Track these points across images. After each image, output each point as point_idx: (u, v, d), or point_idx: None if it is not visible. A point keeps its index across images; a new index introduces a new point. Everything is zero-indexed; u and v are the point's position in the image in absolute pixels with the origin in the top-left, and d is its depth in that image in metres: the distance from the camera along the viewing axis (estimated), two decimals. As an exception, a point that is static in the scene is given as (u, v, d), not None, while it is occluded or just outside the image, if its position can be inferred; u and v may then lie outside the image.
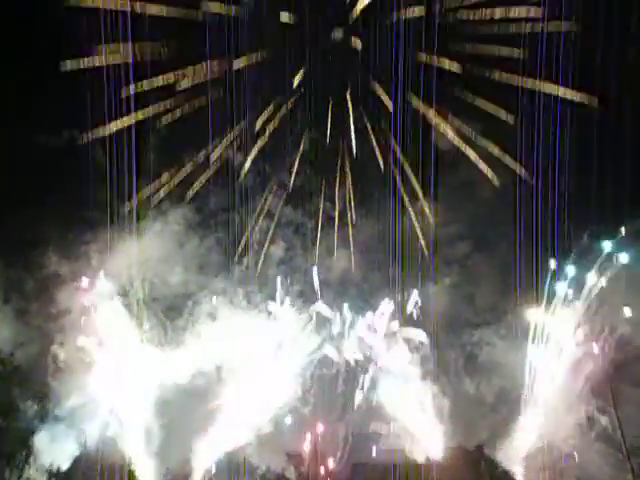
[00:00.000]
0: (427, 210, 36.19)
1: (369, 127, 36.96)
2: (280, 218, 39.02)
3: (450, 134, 35.48)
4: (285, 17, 35.03)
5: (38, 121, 35.44)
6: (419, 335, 36.12)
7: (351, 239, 37.53)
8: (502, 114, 33.50)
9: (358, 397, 35.59)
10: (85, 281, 37.47)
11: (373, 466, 32.37)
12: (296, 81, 36.35)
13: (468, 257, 36.12)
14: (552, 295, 32.88)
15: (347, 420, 35.56)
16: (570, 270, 32.69)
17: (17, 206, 35.52)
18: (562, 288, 32.92)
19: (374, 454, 33.84)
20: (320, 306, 37.64)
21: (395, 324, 36.31)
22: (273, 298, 38.27)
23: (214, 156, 37.78)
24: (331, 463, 33.65)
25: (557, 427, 29.13)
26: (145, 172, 38.00)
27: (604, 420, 29.02)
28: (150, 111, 36.33)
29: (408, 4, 33.68)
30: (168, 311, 38.94)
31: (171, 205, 39.19)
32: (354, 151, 36.99)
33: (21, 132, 35.35)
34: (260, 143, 37.94)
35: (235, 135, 37.59)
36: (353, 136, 37.04)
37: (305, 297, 38.10)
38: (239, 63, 35.30)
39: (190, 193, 37.97)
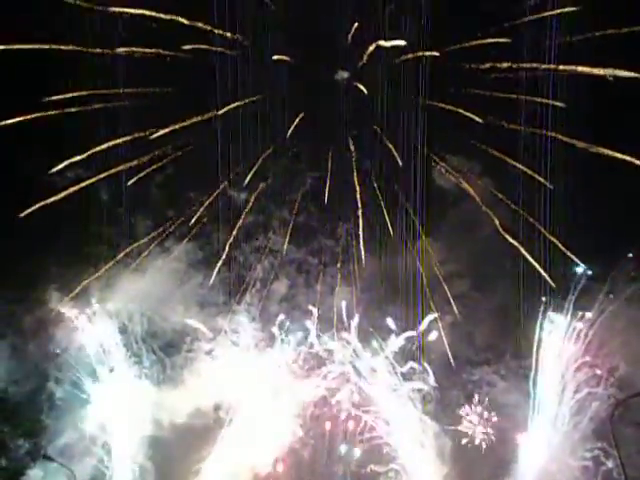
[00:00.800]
0: (429, 249, 36.74)
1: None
2: (283, 256, 39.45)
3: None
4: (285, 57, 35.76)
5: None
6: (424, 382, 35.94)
7: (357, 276, 37.77)
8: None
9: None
10: (83, 319, 37.49)
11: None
12: (294, 124, 37.49)
13: (467, 295, 36.20)
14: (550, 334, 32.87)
15: (345, 460, 34.81)
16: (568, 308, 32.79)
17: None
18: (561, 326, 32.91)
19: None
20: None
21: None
22: (274, 336, 38.23)
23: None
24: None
25: (561, 468, 28.45)
26: (147, 210, 38.94)
27: (610, 463, 28.42)
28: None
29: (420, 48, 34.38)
30: (167, 348, 38.87)
31: (173, 242, 39.76)
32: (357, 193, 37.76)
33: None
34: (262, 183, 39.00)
35: (236, 174, 38.60)
36: (356, 180, 38.08)
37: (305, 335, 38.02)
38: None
39: (192, 229, 38.53)
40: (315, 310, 37.99)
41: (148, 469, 35.37)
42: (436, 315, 36.28)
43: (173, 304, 38.02)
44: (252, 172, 38.12)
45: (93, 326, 37.82)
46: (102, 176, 36.46)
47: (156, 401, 36.11)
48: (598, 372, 31.67)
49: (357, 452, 35.86)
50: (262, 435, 35.46)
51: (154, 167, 37.20)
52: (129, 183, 36.58)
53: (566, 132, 32.73)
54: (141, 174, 36.85)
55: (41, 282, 36.44)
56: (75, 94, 34.62)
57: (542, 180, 33.41)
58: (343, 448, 36.23)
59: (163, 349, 38.54)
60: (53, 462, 32.89)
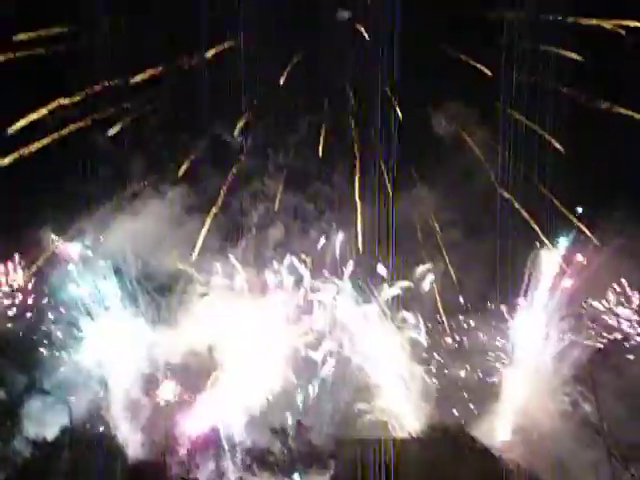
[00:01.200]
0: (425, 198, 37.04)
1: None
2: (279, 201, 39.58)
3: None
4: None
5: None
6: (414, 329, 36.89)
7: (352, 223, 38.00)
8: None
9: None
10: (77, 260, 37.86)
11: (357, 440, 32.92)
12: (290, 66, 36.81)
13: (460, 244, 36.81)
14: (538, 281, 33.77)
15: (334, 398, 36.09)
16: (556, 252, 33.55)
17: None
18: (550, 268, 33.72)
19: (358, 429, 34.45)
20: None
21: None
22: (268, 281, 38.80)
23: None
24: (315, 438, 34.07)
25: (540, 410, 29.79)
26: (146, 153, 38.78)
27: (587, 407, 29.68)
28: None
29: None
30: (161, 290, 39.41)
31: (170, 186, 39.75)
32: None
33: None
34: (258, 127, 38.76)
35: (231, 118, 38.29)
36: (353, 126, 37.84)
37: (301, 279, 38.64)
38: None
39: (183, 168, 38.44)
40: (309, 256, 38.56)
41: (144, 404, 36.45)
42: (428, 266, 37.01)
43: (168, 248, 38.39)
44: (246, 116, 38.03)
45: (87, 267, 38.31)
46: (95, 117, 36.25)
47: (151, 340, 36.90)
48: (581, 321, 32.78)
49: (346, 392, 37.25)
50: (255, 377, 36.51)
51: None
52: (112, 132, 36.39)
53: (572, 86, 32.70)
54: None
55: (36, 223, 36.72)
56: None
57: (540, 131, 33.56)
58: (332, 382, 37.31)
59: (157, 291, 39.17)
60: (49, 396, 33.97)
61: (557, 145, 33.68)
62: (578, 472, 26.85)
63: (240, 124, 38.22)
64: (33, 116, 35.07)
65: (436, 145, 35.99)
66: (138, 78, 35.88)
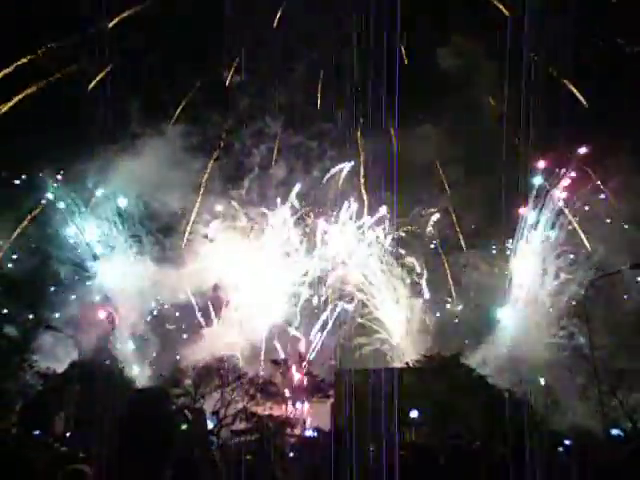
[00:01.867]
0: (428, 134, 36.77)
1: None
2: (281, 140, 39.41)
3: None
4: None
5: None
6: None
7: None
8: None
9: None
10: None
11: (355, 371, 34.06)
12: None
13: (460, 182, 36.91)
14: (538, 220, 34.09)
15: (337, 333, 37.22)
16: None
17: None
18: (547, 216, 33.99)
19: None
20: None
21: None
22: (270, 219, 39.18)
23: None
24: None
25: (534, 342, 30.60)
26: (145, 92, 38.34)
27: (581, 339, 30.40)
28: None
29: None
30: (165, 230, 39.89)
31: (171, 125, 39.55)
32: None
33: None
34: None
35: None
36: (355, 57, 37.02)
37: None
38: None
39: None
40: (312, 193, 38.88)
41: (150, 340, 37.56)
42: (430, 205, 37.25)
43: (170, 188, 38.54)
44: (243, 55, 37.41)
45: (91, 209, 38.64)
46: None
47: (157, 279, 37.62)
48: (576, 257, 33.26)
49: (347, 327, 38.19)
50: (258, 312, 37.43)
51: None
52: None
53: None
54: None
55: (37, 164, 36.82)
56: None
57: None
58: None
59: (162, 231, 39.67)
60: (58, 332, 34.91)
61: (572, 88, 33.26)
62: (567, 399, 27.85)
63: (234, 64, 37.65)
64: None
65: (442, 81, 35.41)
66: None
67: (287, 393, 33.97)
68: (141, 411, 30.54)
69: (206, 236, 39.44)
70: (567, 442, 28.05)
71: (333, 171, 38.33)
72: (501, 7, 33.51)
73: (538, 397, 28.10)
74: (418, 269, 37.28)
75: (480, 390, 28.84)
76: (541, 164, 34.65)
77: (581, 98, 33.62)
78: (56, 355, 34.94)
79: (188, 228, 39.42)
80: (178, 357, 35.73)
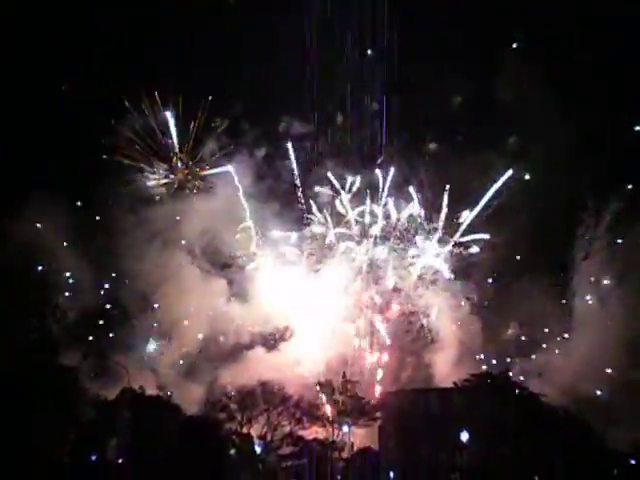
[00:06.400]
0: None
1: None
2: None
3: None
4: None
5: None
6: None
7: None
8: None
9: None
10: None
11: (402, 392, 33.43)
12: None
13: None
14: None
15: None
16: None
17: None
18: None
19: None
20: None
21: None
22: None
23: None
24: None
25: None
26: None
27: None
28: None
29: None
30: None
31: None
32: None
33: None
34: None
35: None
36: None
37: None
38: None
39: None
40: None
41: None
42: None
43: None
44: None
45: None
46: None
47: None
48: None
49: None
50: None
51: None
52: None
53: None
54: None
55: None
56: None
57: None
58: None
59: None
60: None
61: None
62: (629, 414, 26.28)
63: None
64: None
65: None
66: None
67: (332, 416, 33.42)
68: (192, 440, 30.85)
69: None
70: (632, 462, 26.60)
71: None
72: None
73: (596, 413, 26.75)
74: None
75: (531, 406, 27.64)
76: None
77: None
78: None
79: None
80: (222, 381, 35.89)
